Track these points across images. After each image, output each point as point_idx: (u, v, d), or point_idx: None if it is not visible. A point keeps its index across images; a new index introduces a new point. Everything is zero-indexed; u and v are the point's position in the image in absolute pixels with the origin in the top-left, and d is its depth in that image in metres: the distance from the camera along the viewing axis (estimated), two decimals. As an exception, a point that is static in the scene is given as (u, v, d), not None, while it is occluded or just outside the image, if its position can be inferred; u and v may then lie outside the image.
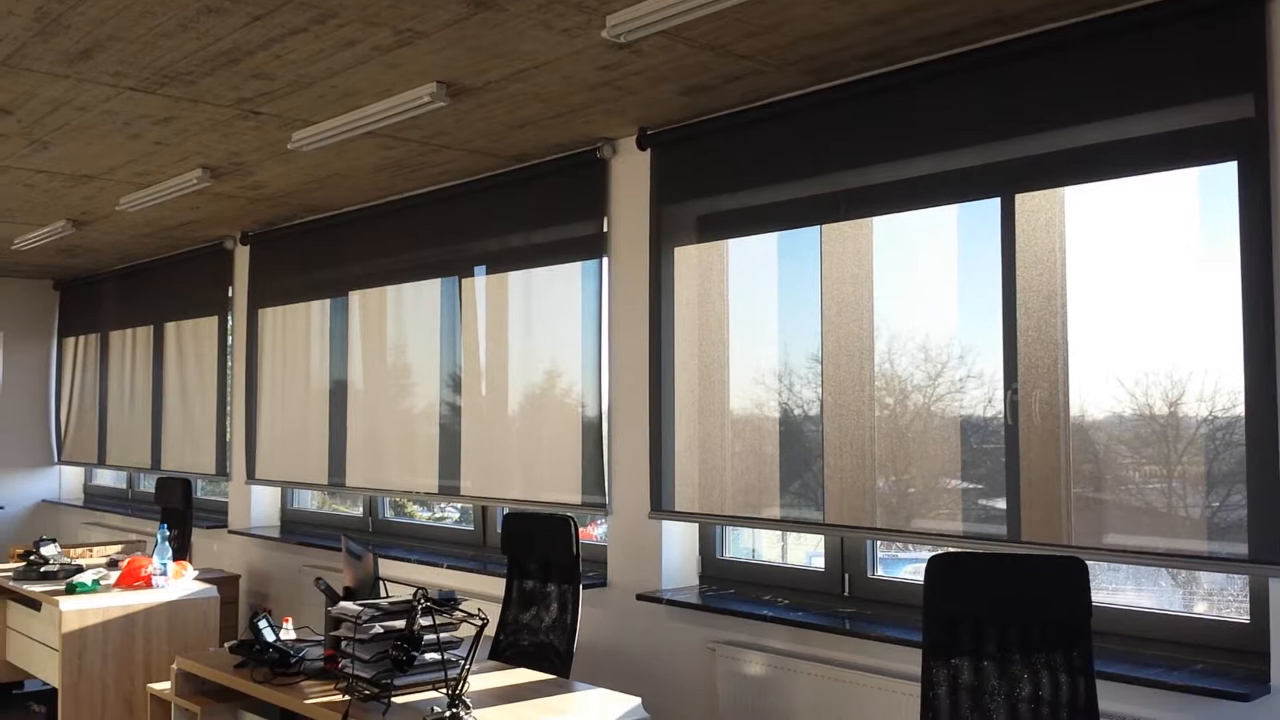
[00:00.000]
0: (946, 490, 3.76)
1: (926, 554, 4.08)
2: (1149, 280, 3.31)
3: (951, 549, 3.46)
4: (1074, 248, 3.46)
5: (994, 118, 3.61)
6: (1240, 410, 3.12)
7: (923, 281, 3.86)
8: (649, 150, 4.69)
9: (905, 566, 4.25)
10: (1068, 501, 3.43)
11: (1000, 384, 3.60)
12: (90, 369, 9.36)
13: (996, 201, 3.64)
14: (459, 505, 6.15)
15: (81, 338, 9.53)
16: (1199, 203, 3.26)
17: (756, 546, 4.84)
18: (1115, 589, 3.63)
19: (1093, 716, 2.70)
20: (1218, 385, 3.17)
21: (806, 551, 4.65)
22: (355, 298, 6.45)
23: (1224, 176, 3.17)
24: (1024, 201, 3.56)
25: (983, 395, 3.66)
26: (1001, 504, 3.59)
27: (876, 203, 3.96)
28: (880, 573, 4.18)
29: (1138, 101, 3.29)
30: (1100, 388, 3.39)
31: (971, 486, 3.69)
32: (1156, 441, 3.30)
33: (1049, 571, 2.79)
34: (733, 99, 4.23)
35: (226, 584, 6.66)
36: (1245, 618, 3.23)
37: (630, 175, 4.80)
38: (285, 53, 3.72)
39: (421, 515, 6.70)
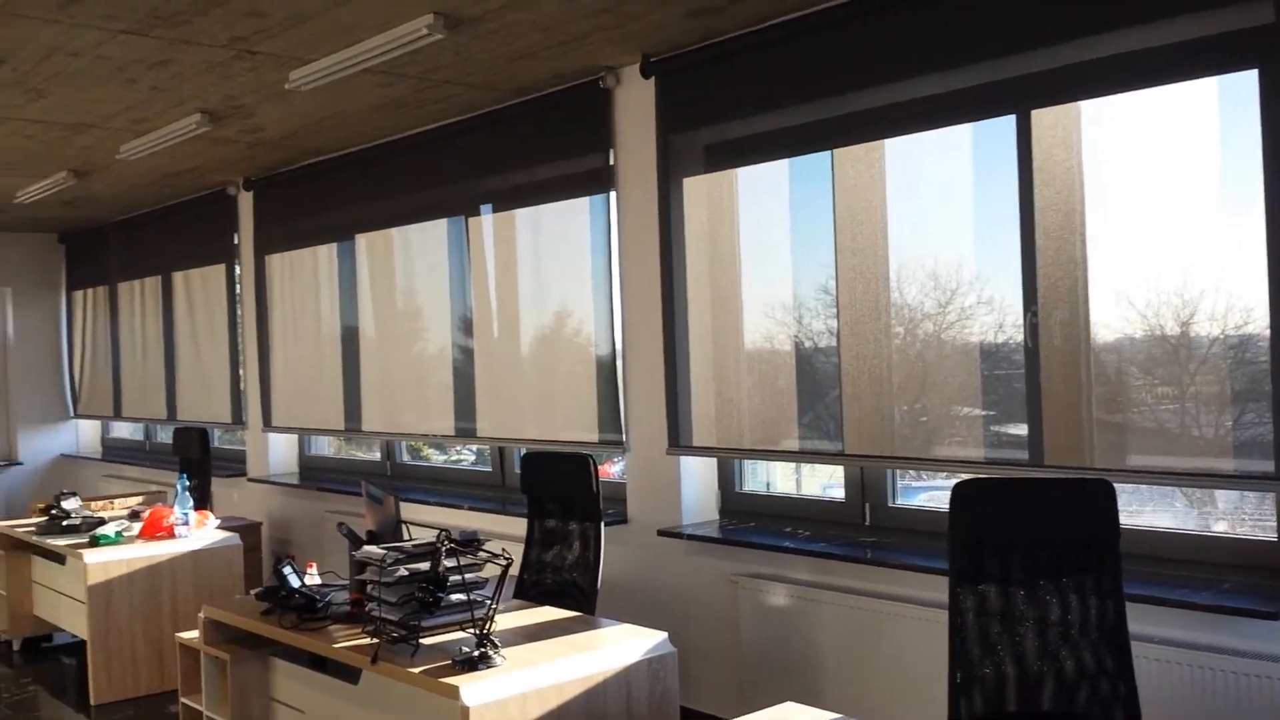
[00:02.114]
0: (965, 417, 3.72)
1: (941, 482, 4.07)
2: (1166, 195, 3.23)
3: (974, 475, 3.43)
4: (1091, 163, 3.37)
5: (1008, 32, 3.51)
6: (1253, 327, 3.07)
7: (937, 204, 3.78)
8: (653, 78, 4.58)
9: (919, 495, 4.23)
10: (1090, 424, 3.39)
11: (1015, 308, 3.54)
12: (101, 321, 9.35)
13: (1011, 119, 3.54)
14: (474, 447, 6.14)
15: (90, 290, 9.51)
16: (1219, 113, 3.16)
17: (771, 480, 4.82)
18: (1134, 510, 3.61)
19: (1122, 638, 2.69)
20: (1230, 303, 3.11)
21: (821, 482, 4.64)
22: (362, 240, 6.39)
23: (1245, 85, 3.08)
24: (1040, 117, 3.47)
25: (994, 321, 3.61)
26: (1021, 429, 3.56)
27: (889, 124, 3.87)
28: (902, 502, 4.17)
29: (1154, 9, 3.18)
30: (1114, 308, 3.34)
31: (989, 413, 3.66)
32: (1168, 361, 3.26)
33: (1077, 494, 2.76)
34: (739, 21, 4.12)
35: (248, 531, 6.70)
36: (1271, 535, 3.20)
37: (635, 105, 4.71)
38: (279, -10, 3.62)
39: (437, 458, 6.71)
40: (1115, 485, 2.74)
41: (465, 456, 6.46)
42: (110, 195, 7.74)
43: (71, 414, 9.87)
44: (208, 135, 5.77)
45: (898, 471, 4.14)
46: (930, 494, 4.21)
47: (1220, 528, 3.47)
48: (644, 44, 4.40)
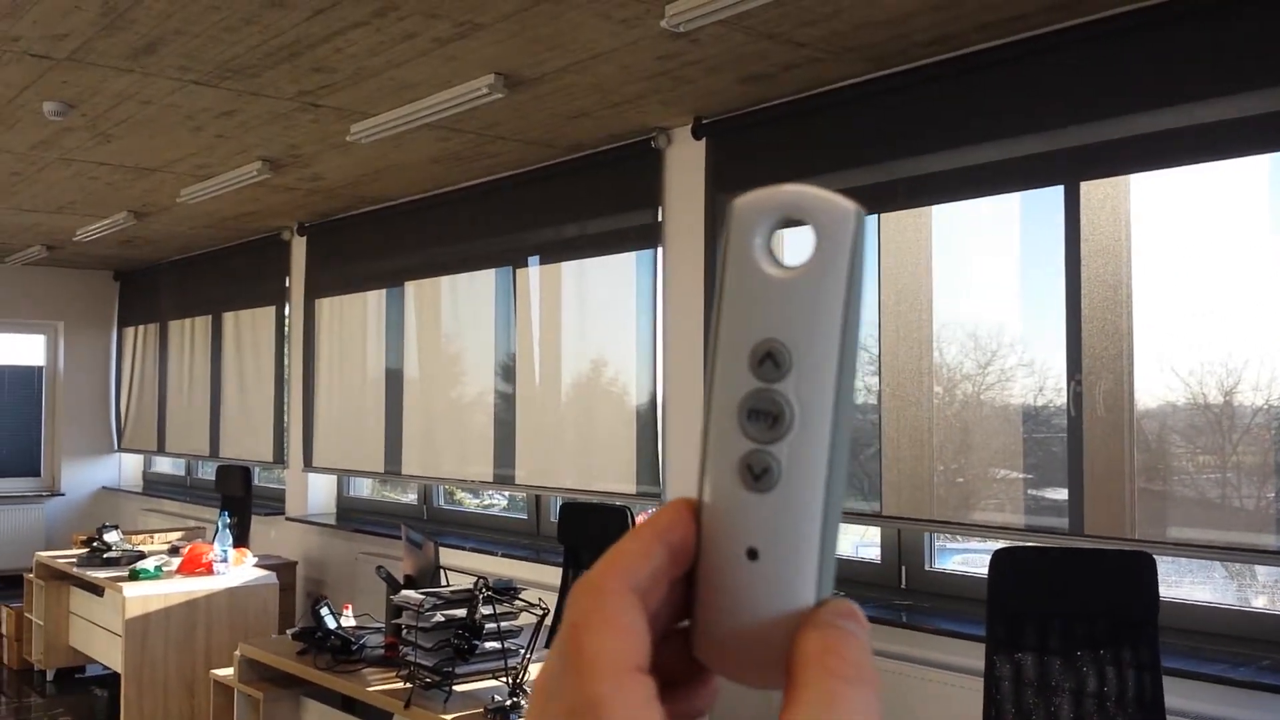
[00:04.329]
0: (1004, 480, 3.72)
1: (976, 544, 4.05)
2: (1213, 268, 3.25)
3: (1013, 542, 3.42)
4: (1140, 236, 3.40)
5: (1058, 104, 3.56)
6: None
7: (983, 269, 3.82)
8: (704, 139, 4.67)
9: (953, 557, 4.21)
10: (1132, 495, 3.38)
11: (1055, 370, 3.56)
12: (150, 358, 9.52)
13: (1060, 189, 3.58)
14: (508, 493, 6.18)
15: (141, 327, 9.69)
16: (1269, 188, 3.19)
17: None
18: (1173, 581, 3.59)
19: (1159, 712, 2.67)
20: (1275, 373, 3.12)
21: (854, 541, 4.62)
22: (411, 288, 6.50)
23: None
24: (1089, 189, 3.50)
25: (1034, 384, 3.63)
26: (1060, 494, 3.55)
27: (936, 191, 3.92)
28: (938, 564, 4.15)
29: (1206, 87, 3.23)
30: (1158, 377, 3.35)
31: (1028, 476, 3.65)
32: (1211, 430, 3.26)
33: (1117, 566, 2.75)
34: (790, 87, 4.21)
35: (284, 570, 6.75)
36: (1317, 614, 3.17)
37: (685, 165, 4.79)
38: (346, 46, 3.75)
39: (471, 502, 6.75)
40: (1155, 557, 2.73)
41: (498, 501, 6.50)
42: (167, 236, 7.93)
43: (116, 447, 10.02)
44: (267, 182, 5.92)
45: (934, 534, 4.13)
46: (965, 555, 4.19)
47: (1260, 602, 3.44)
48: (696, 106, 4.49)
